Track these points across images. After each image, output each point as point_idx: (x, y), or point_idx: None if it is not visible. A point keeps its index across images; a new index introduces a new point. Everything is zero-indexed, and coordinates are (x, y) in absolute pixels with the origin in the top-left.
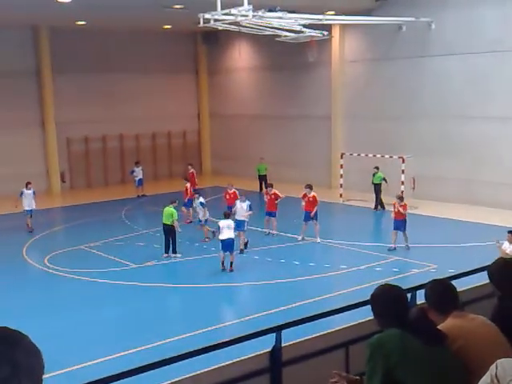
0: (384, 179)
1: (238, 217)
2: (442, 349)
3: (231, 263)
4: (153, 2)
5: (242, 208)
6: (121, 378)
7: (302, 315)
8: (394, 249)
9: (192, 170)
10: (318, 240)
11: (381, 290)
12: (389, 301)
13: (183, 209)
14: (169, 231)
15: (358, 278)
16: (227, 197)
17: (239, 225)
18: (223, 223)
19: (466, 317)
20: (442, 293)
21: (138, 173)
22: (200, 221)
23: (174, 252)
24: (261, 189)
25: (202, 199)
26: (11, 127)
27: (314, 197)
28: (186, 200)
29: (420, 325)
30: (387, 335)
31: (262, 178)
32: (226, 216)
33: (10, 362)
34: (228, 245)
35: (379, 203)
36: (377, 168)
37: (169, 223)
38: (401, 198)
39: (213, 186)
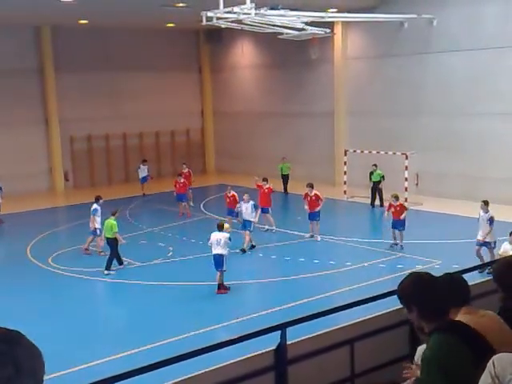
0: (382, 177)
1: (244, 217)
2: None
3: (218, 285)
4: (155, 0)
5: (246, 209)
6: (124, 378)
7: (306, 312)
8: (396, 245)
9: (187, 170)
10: (319, 238)
11: (409, 283)
12: (422, 296)
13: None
14: (110, 245)
15: (362, 274)
16: (227, 200)
17: (246, 225)
18: (213, 237)
19: (476, 313)
20: (454, 287)
21: (142, 171)
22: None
23: (108, 267)
24: (285, 189)
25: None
26: (14, 126)
27: (316, 195)
28: (176, 194)
29: (473, 338)
30: (444, 346)
31: (286, 178)
32: (219, 228)
33: (13, 361)
34: (214, 261)
35: (380, 200)
36: (375, 165)
37: (110, 236)
38: (396, 198)
39: (217, 184)
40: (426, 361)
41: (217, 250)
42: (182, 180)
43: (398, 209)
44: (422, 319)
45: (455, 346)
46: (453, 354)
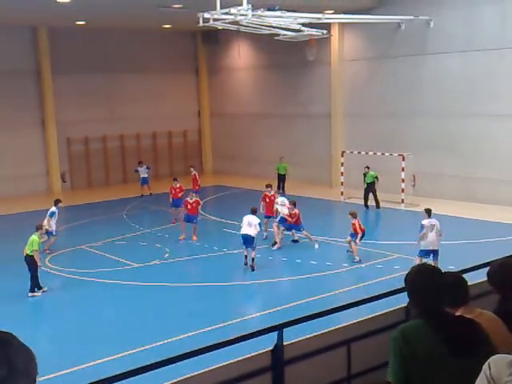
0: (376, 177)
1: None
2: (472, 360)
3: (252, 259)
4: (151, 1)
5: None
6: (122, 379)
7: (303, 313)
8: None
9: (194, 172)
10: (317, 246)
11: (414, 271)
12: (421, 285)
13: (172, 210)
14: (28, 263)
15: (359, 275)
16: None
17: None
18: (245, 219)
19: (474, 312)
20: (454, 286)
21: (142, 172)
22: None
23: (32, 290)
24: (278, 189)
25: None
26: (12, 128)
27: (295, 214)
28: (171, 200)
29: (453, 328)
30: (410, 326)
31: (282, 178)
32: (252, 211)
33: (6, 362)
34: (245, 240)
35: (375, 201)
36: (367, 167)
37: (29, 254)
38: (352, 215)
39: (214, 185)
40: (391, 338)
41: (247, 231)
42: (178, 185)
43: (358, 225)
44: (414, 307)
45: (419, 329)
46: (413, 336)
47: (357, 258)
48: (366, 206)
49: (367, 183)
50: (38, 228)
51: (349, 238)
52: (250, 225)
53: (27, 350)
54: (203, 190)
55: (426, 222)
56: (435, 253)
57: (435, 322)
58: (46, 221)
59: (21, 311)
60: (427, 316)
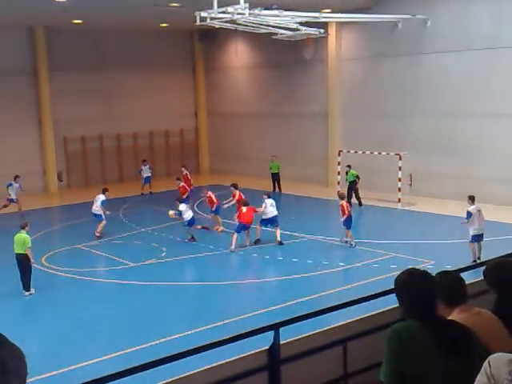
0: (357, 176)
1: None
2: (465, 360)
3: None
4: (148, 0)
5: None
6: (118, 378)
7: (299, 312)
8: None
9: (185, 172)
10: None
11: (406, 275)
12: (415, 289)
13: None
14: (21, 262)
15: (355, 274)
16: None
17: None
18: (268, 202)
19: (471, 311)
20: (451, 285)
21: (145, 171)
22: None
23: (27, 288)
24: (274, 188)
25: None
26: (8, 126)
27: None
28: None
29: (445, 330)
30: (404, 325)
31: (275, 177)
32: (268, 196)
33: None
34: (271, 221)
35: (357, 199)
36: (349, 166)
37: (21, 252)
38: (340, 196)
39: (211, 184)
40: (387, 338)
41: (275, 212)
42: (181, 184)
43: (346, 206)
44: (405, 313)
45: (413, 330)
46: (407, 336)
47: (352, 244)
48: (349, 203)
49: (349, 182)
50: (24, 226)
51: (346, 230)
52: (273, 205)
53: (17, 350)
54: (200, 189)
55: (471, 208)
56: (482, 236)
57: (429, 324)
58: (94, 206)
59: (16, 310)
60: (421, 317)
